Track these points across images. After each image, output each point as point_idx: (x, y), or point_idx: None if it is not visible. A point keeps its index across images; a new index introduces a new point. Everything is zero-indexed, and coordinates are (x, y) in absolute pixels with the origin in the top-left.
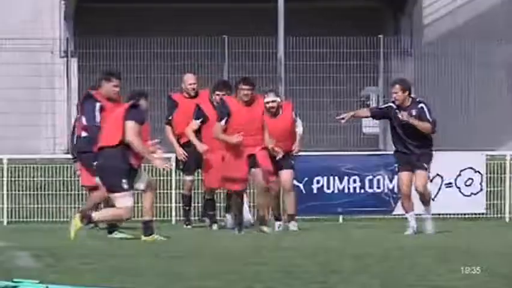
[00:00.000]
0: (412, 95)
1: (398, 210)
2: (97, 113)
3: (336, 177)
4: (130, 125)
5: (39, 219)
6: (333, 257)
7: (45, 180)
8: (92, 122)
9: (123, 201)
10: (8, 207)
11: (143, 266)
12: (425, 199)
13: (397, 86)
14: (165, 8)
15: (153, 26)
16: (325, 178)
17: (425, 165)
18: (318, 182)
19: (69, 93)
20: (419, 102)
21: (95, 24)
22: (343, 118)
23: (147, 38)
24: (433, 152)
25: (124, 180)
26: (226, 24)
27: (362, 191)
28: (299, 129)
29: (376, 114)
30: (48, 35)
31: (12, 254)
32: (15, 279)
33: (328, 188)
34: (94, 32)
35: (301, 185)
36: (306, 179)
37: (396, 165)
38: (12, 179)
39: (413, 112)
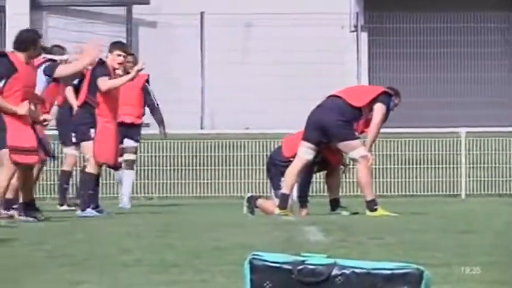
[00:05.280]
0: None
1: None
2: None
3: None
4: None
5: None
6: None
7: None
8: None
9: None
10: None
11: (430, 240)
12: None
13: None
14: None
15: (442, 0)
16: None
17: None
18: None
19: (359, 68)
20: None
21: None
22: None
23: (436, 13)
24: None
25: None
26: None
27: None
28: None
29: None
30: (339, 9)
31: (301, 228)
32: (303, 253)
33: None
34: (385, 7)
35: None
36: None
37: None
38: None
39: None
